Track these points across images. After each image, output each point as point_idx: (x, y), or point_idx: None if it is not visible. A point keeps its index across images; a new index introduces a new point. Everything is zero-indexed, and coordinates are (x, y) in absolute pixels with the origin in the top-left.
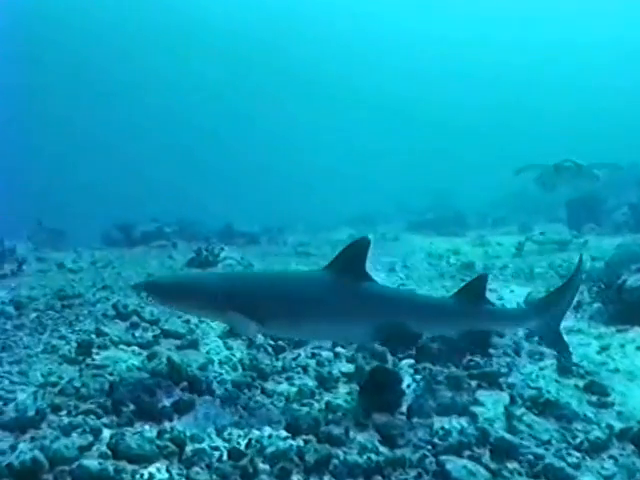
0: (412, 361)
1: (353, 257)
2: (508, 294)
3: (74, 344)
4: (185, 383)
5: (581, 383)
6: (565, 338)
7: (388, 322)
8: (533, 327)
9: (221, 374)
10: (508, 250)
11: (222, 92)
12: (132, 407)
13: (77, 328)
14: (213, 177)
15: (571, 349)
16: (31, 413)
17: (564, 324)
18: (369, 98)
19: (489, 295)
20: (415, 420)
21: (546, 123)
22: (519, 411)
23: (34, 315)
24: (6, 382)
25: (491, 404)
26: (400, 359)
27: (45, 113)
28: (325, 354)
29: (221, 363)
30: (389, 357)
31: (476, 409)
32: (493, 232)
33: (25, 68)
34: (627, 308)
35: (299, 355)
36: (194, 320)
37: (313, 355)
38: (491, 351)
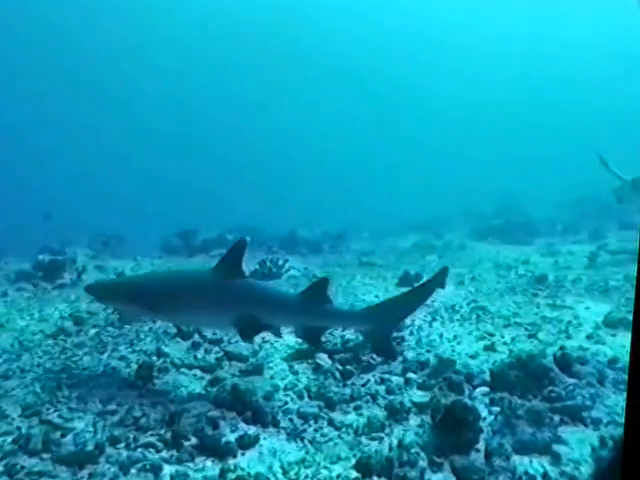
0: (487, 389)
1: (232, 257)
2: (583, 311)
3: (134, 366)
4: (249, 413)
5: None
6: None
7: (241, 314)
8: (364, 330)
9: (286, 403)
10: (580, 260)
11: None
12: (194, 441)
13: (137, 348)
14: (271, 181)
15: None
16: (90, 447)
17: None
18: (434, 102)
19: (563, 311)
20: (496, 462)
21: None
22: (610, 455)
23: (93, 332)
24: (64, 409)
25: (575, 443)
26: (475, 387)
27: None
28: (395, 379)
29: (286, 389)
30: (465, 387)
31: (559, 448)
32: (563, 240)
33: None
34: None
35: (368, 381)
36: (257, 340)
37: (382, 381)
38: (574, 381)
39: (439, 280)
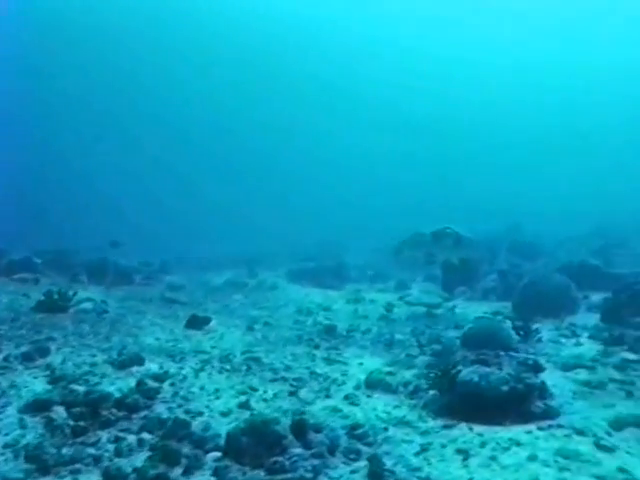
0: (219, 454)
1: None
2: (355, 367)
3: None
4: None
5: None
6: None
7: None
8: None
9: None
10: (378, 310)
11: None
12: None
13: None
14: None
15: (391, 447)
16: None
17: (398, 413)
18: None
19: (335, 367)
20: None
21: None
22: None
23: None
24: None
25: None
26: (207, 451)
27: None
28: (131, 439)
29: (6, 446)
30: (186, 452)
31: None
32: (371, 287)
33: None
34: (458, 401)
35: (99, 439)
36: (4, 385)
37: (117, 439)
38: (300, 451)
39: None
